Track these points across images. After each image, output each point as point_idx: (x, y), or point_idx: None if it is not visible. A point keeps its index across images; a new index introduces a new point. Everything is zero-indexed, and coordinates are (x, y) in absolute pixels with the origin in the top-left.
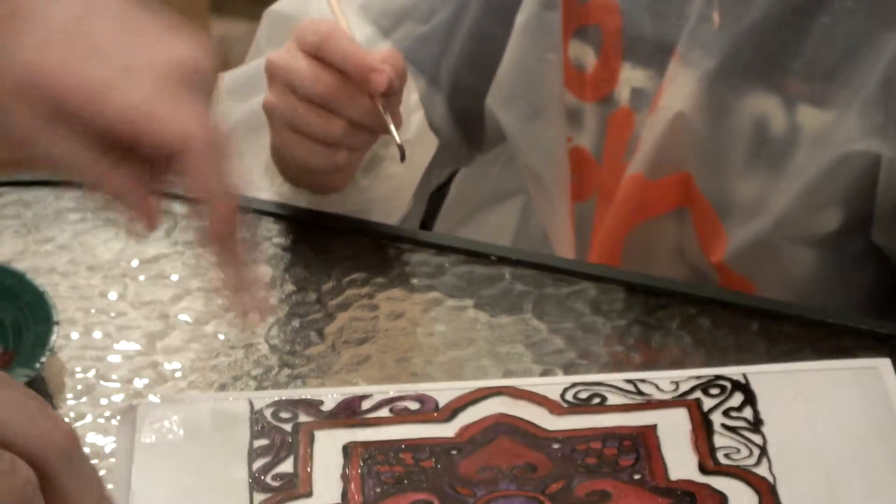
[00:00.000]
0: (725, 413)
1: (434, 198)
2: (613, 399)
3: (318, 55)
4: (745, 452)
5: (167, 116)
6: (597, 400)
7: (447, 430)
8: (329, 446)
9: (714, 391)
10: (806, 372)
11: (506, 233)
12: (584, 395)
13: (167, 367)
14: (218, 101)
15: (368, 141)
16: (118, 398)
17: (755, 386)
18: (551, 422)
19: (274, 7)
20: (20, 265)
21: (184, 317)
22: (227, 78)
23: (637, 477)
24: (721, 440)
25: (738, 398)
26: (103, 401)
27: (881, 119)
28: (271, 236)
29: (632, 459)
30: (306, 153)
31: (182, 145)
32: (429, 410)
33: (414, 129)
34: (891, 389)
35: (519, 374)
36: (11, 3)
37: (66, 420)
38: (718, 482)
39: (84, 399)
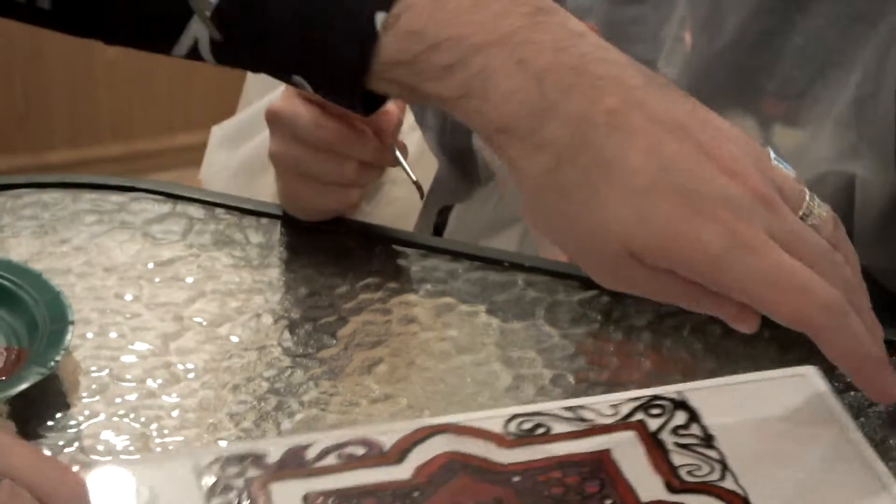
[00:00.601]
0: (674, 431)
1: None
2: (558, 427)
3: (319, 101)
4: (706, 468)
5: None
6: (541, 430)
7: (403, 472)
8: (289, 498)
9: (655, 411)
10: (743, 384)
11: None
12: (527, 426)
13: (180, 367)
14: (207, 152)
15: (378, 175)
16: (132, 397)
17: (694, 402)
18: (503, 455)
19: None
20: (37, 266)
21: (198, 319)
22: (218, 131)
23: (608, 502)
24: (679, 458)
25: (681, 416)
26: (117, 400)
27: (853, 139)
28: (286, 240)
29: (597, 486)
30: (318, 197)
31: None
32: (375, 454)
33: (413, 149)
34: (823, 393)
35: (530, 378)
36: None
37: (81, 418)
38: (691, 500)
39: (97, 398)
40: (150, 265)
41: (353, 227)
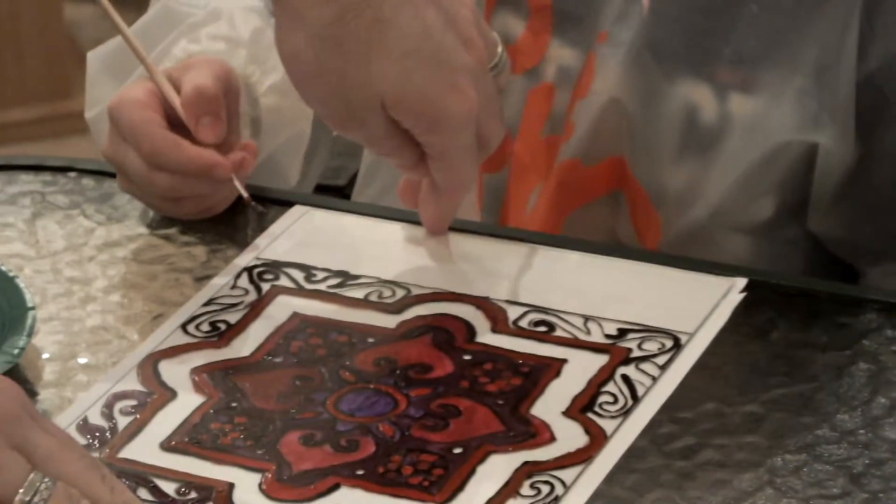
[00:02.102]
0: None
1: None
2: (559, 332)
3: (154, 165)
4: (621, 402)
5: None
6: (543, 328)
7: (391, 322)
8: (282, 309)
9: (649, 346)
10: None
11: None
12: (535, 321)
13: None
14: (88, 85)
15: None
16: (98, 382)
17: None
18: (486, 337)
19: None
20: None
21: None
22: (94, 59)
23: (500, 402)
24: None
25: (662, 358)
26: (82, 380)
27: (815, 108)
28: None
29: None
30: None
31: None
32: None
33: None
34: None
35: None
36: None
37: (42, 411)
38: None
39: (64, 384)
40: (97, 244)
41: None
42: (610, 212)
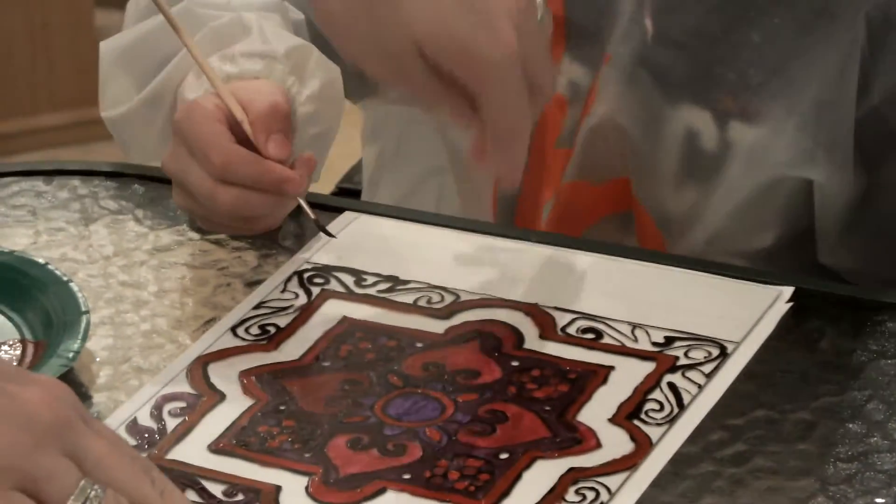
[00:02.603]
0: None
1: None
2: (606, 339)
3: (222, 178)
4: (667, 409)
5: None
6: (591, 335)
7: (439, 327)
8: (331, 313)
9: (696, 354)
10: None
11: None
12: (583, 328)
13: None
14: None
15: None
16: (149, 384)
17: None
18: (534, 344)
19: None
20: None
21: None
22: (107, 50)
23: (547, 408)
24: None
25: (709, 367)
26: (134, 384)
27: (809, 144)
28: None
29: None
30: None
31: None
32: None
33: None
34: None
35: None
36: None
37: (95, 414)
38: (612, 431)
39: (117, 387)
40: (148, 248)
41: None
42: (619, 231)
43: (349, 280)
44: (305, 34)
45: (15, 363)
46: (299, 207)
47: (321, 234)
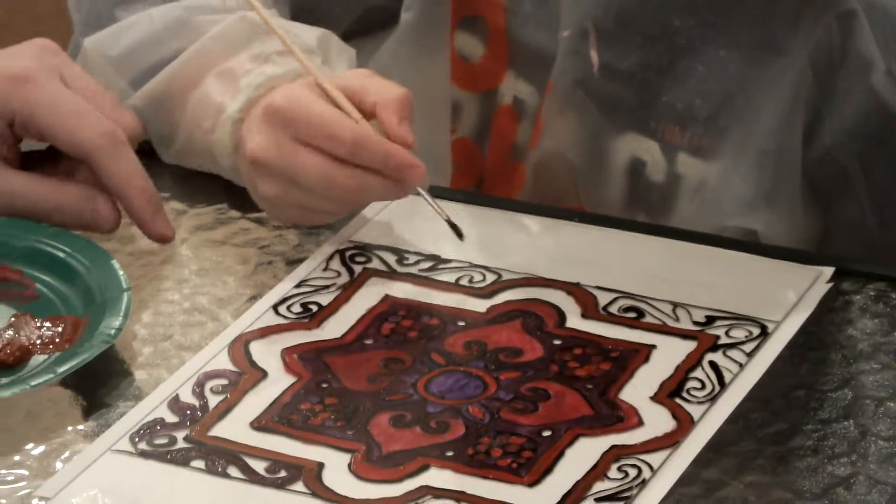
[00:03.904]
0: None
1: None
2: (648, 318)
3: (348, 160)
4: (708, 388)
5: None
6: (632, 314)
7: (481, 306)
8: (373, 292)
9: (737, 334)
10: None
11: None
12: (625, 307)
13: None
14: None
15: None
16: (190, 361)
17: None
18: (576, 323)
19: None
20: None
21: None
22: (97, 46)
23: (589, 386)
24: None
25: (749, 346)
26: (175, 362)
27: (753, 193)
28: None
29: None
30: (308, 218)
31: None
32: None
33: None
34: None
35: None
36: None
37: (136, 391)
38: (653, 409)
39: (158, 364)
40: (190, 228)
41: None
42: None
43: (391, 259)
44: (287, 12)
45: (57, 340)
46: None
47: (363, 213)
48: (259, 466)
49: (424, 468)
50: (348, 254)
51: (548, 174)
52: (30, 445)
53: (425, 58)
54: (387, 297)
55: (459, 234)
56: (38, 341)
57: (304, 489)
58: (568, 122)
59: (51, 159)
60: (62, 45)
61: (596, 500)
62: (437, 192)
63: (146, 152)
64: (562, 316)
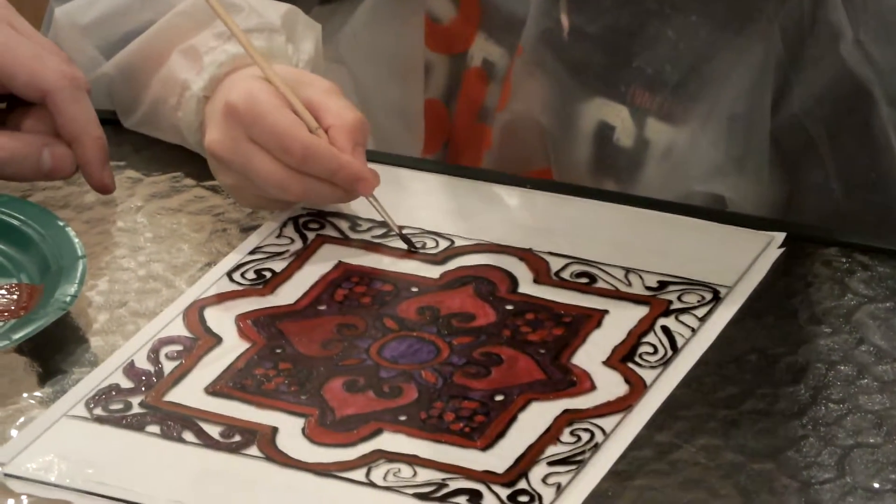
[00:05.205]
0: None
1: None
2: (600, 283)
3: (298, 169)
4: (661, 353)
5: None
6: (584, 279)
7: (434, 272)
8: (326, 258)
9: (689, 298)
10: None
11: None
12: (577, 272)
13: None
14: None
15: None
16: (145, 328)
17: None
18: (528, 288)
19: None
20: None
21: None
22: (66, 15)
23: (541, 351)
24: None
25: (702, 311)
26: (130, 329)
27: (722, 159)
28: None
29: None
30: (267, 205)
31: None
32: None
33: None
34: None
35: None
36: None
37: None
38: (606, 373)
39: (114, 331)
40: (143, 196)
41: None
42: None
43: (344, 225)
44: None
45: (13, 307)
46: None
47: None
48: (214, 431)
49: (378, 432)
50: (302, 220)
51: (515, 137)
52: None
53: (399, 19)
54: (340, 264)
55: (412, 247)
56: None
57: (258, 453)
58: (537, 85)
59: None
60: (38, 16)
61: (549, 463)
62: (406, 163)
63: (104, 121)
64: (514, 281)
